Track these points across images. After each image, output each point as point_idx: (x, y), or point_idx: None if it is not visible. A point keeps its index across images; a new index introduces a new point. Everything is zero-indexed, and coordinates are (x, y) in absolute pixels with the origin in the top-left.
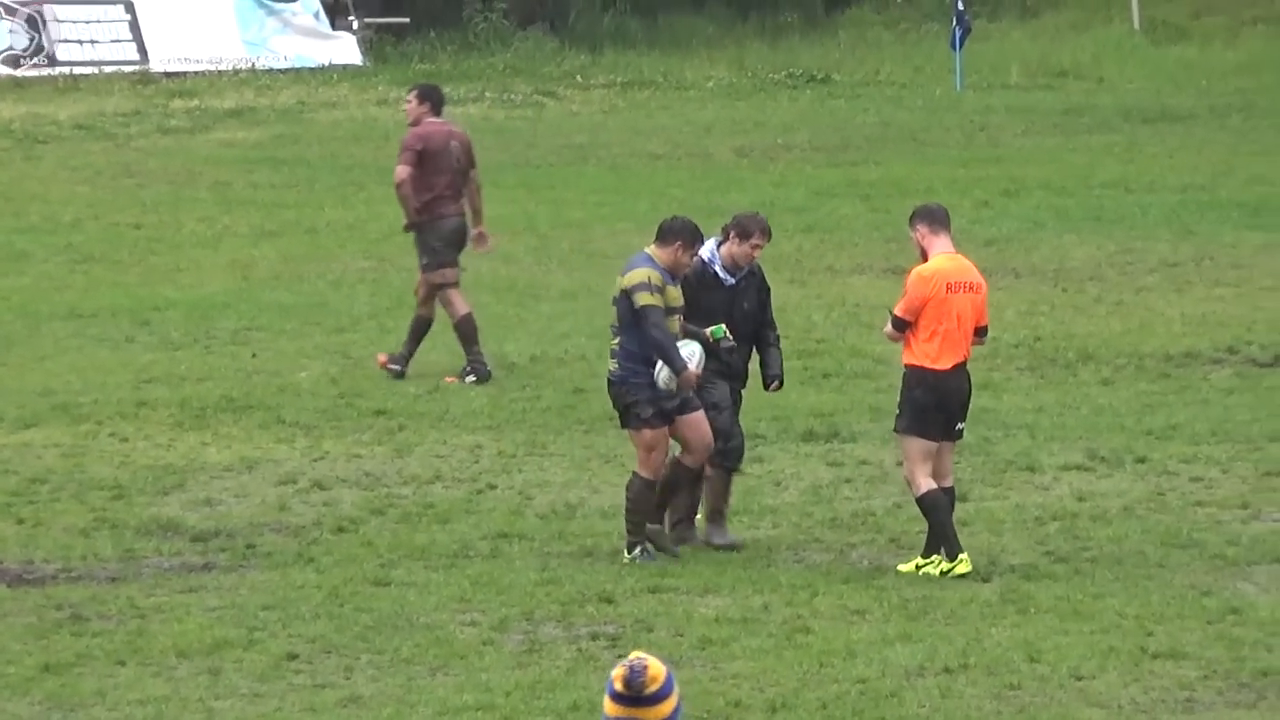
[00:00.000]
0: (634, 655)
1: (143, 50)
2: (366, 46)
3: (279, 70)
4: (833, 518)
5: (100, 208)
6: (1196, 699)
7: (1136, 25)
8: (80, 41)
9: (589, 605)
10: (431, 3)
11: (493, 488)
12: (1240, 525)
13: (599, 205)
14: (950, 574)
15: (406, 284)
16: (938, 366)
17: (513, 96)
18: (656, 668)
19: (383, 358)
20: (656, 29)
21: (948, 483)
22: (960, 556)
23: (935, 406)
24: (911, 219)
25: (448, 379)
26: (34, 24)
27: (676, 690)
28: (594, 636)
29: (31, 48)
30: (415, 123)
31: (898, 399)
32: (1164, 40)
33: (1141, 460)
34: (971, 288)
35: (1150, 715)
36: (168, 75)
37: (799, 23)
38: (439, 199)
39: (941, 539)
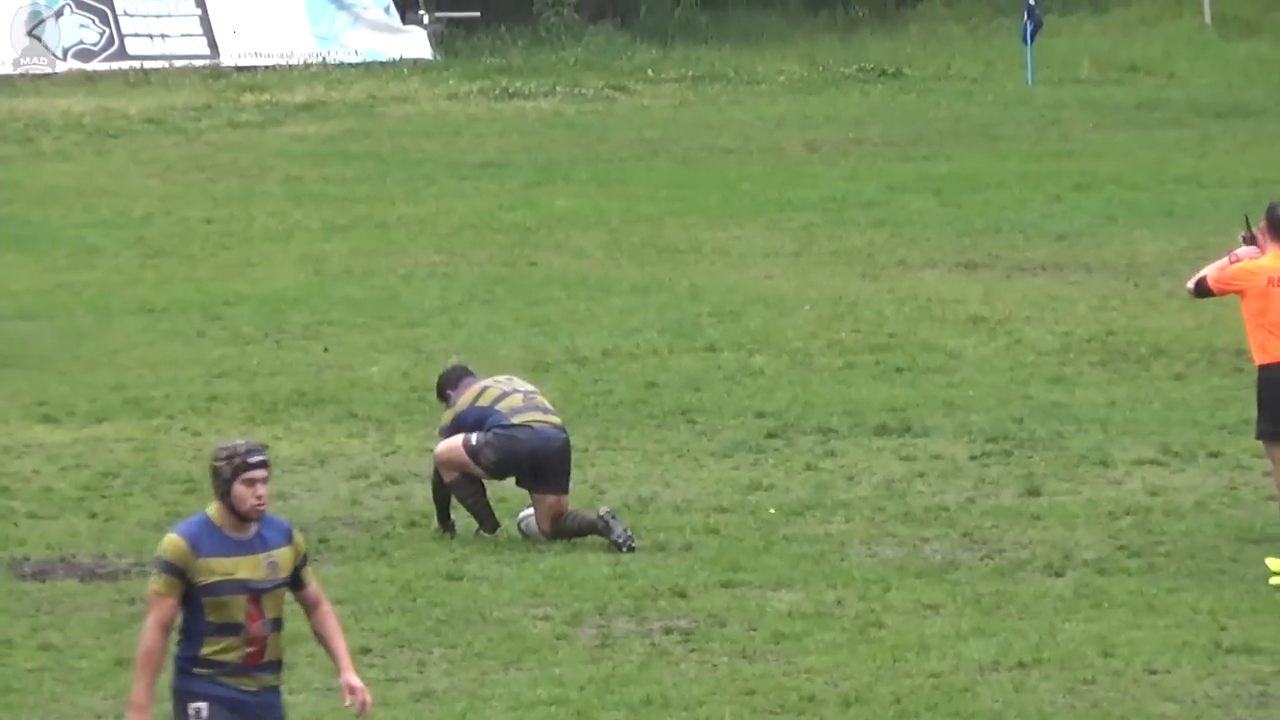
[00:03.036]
0: None
1: (213, 44)
2: (437, 41)
3: (349, 64)
4: (905, 512)
5: (171, 202)
6: (1271, 694)
7: (1207, 19)
8: (151, 35)
9: (661, 599)
10: None
11: None
12: None
13: (670, 199)
14: None
15: (478, 278)
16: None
17: (583, 91)
18: None
19: None
20: (726, 23)
21: None
22: None
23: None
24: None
25: None
26: (104, 18)
27: None
28: (667, 631)
29: (102, 42)
30: None
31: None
32: (1235, 35)
33: (1214, 455)
34: None
35: (1225, 710)
36: (238, 69)
37: (869, 17)
38: None
39: None
